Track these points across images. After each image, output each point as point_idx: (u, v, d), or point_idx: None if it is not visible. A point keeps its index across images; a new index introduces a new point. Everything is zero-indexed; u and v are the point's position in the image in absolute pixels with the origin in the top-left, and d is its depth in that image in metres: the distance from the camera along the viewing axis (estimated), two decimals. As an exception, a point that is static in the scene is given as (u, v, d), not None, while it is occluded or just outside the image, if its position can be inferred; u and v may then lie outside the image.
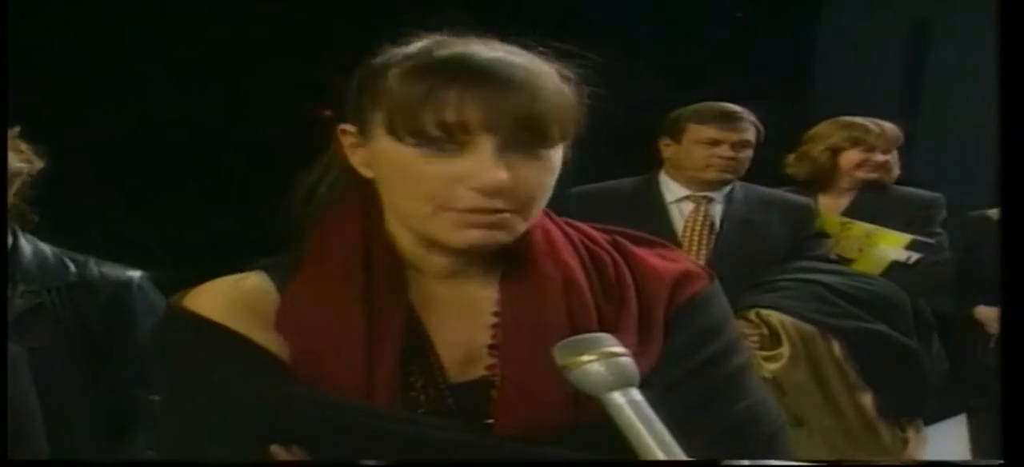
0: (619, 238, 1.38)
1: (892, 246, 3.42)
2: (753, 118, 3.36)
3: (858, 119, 3.82)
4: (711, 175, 3.34)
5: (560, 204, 1.34)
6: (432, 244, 1.28)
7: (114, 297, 2.17)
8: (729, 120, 3.33)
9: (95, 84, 4.07)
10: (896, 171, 3.84)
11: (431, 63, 1.22)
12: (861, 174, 3.75)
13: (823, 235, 3.38)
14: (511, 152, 1.22)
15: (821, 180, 3.79)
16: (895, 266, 3.38)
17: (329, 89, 1.37)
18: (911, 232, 3.50)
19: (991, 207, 3.64)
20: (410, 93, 1.21)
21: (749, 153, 3.35)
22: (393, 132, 1.22)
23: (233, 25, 4.15)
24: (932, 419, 3.21)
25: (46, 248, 2.20)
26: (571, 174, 1.31)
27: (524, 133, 1.22)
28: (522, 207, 1.25)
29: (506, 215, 1.24)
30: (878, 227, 3.46)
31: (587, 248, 1.35)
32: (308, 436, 1.22)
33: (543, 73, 1.24)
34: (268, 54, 3.99)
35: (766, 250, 3.25)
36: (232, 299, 1.30)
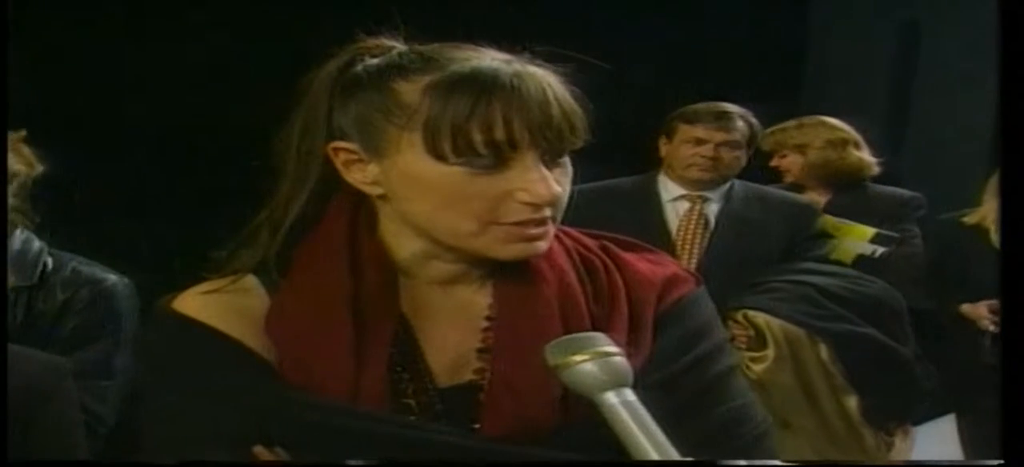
0: (607, 243, 1.39)
1: (857, 240, 3.46)
2: (750, 118, 3.36)
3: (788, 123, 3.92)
4: (693, 174, 3.36)
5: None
6: (448, 252, 1.29)
7: (74, 299, 2.15)
8: (717, 120, 3.35)
9: (91, 86, 4.06)
10: (844, 163, 3.90)
11: (461, 81, 1.22)
12: (788, 178, 3.90)
13: (824, 236, 3.39)
14: (547, 162, 1.24)
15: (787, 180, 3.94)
16: (860, 259, 3.41)
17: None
18: (882, 228, 3.55)
19: (975, 205, 3.71)
20: (453, 113, 1.20)
21: (736, 154, 3.36)
22: (435, 153, 1.21)
23: (232, 28, 4.15)
24: (918, 420, 3.22)
25: (35, 246, 2.18)
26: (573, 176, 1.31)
27: (557, 142, 1.23)
28: (558, 215, 1.28)
29: (548, 225, 1.26)
30: (844, 220, 3.51)
31: (579, 254, 1.35)
32: (295, 439, 1.21)
33: (554, 82, 1.25)
34: (265, 58, 3.99)
35: (761, 250, 3.24)
36: (221, 302, 1.29)
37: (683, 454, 1.11)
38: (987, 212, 3.63)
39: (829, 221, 3.50)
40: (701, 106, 3.40)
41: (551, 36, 1.30)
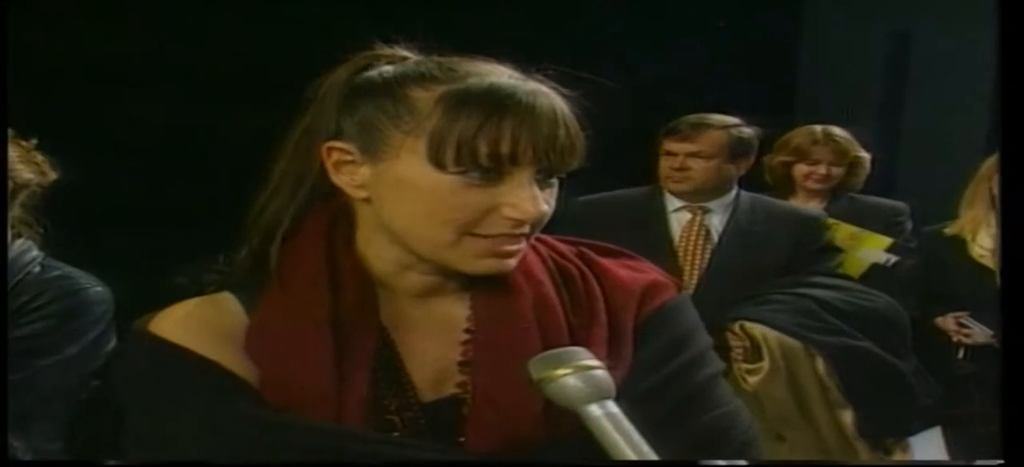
0: (584, 250, 1.38)
1: (874, 248, 3.47)
2: (736, 129, 3.36)
3: (815, 128, 3.97)
4: (672, 187, 3.37)
5: (566, 212, 1.32)
6: (421, 264, 1.28)
7: (32, 303, 2.14)
8: (687, 130, 3.35)
9: (91, 91, 4.06)
10: (860, 178, 3.98)
11: (477, 94, 1.21)
12: (809, 184, 3.94)
13: (832, 249, 3.39)
14: (539, 181, 1.23)
15: (783, 188, 3.97)
16: (875, 269, 3.42)
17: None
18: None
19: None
20: (463, 124, 1.20)
21: (709, 164, 3.34)
22: (436, 161, 1.21)
23: (231, 34, 4.15)
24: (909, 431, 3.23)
25: (29, 256, 2.17)
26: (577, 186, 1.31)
27: (558, 163, 1.23)
28: (535, 233, 1.28)
29: (523, 242, 1.26)
30: (862, 229, 3.52)
31: (556, 262, 1.35)
32: (275, 460, 1.21)
33: (561, 103, 1.25)
34: (265, 65, 3.99)
35: (765, 262, 3.25)
36: (199, 322, 1.28)
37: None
38: (965, 223, 3.64)
39: (847, 230, 3.50)
40: (681, 119, 3.41)
41: (547, 50, 1.30)
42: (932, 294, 3.71)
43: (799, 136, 3.97)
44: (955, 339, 3.63)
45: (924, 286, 3.73)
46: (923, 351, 3.42)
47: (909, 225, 3.90)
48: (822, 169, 3.91)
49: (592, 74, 1.31)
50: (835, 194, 3.95)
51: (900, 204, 4.00)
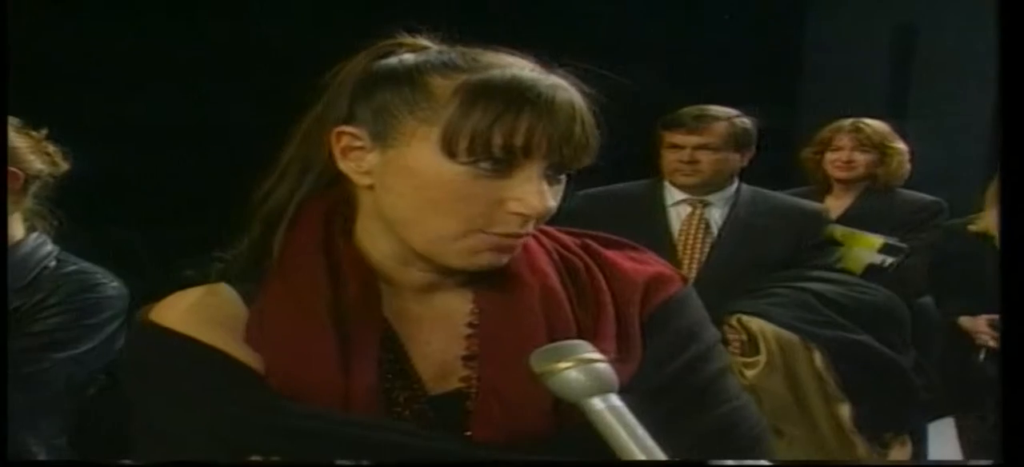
0: (588, 242, 1.38)
1: (866, 249, 3.46)
2: (739, 119, 3.36)
3: (844, 120, 4.01)
4: (679, 180, 3.37)
5: (566, 206, 1.31)
6: (418, 260, 1.27)
7: (48, 299, 2.14)
8: (692, 123, 3.35)
9: (93, 86, 4.06)
10: (896, 171, 4.00)
11: (497, 85, 1.21)
12: (836, 173, 3.98)
13: (832, 243, 3.39)
14: (549, 177, 1.23)
15: (818, 183, 4.02)
16: (871, 269, 3.42)
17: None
18: (896, 235, 3.57)
19: (976, 209, 3.70)
20: (479, 115, 1.19)
21: (718, 156, 3.34)
22: (448, 150, 1.20)
23: (250, 25, 4.14)
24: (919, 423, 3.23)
25: (44, 250, 2.17)
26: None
27: (571, 158, 1.23)
28: (535, 227, 1.27)
29: (523, 239, 1.25)
30: (853, 230, 3.52)
31: (560, 254, 1.34)
32: (287, 447, 1.20)
33: (579, 99, 1.24)
34: (267, 59, 3.98)
35: (765, 256, 3.24)
36: (200, 311, 1.27)
37: (679, 457, 1.12)
38: (990, 220, 3.62)
39: (837, 230, 3.50)
40: (681, 111, 3.41)
41: (551, 41, 1.29)
42: (955, 290, 3.70)
43: (828, 128, 4.03)
44: (981, 341, 3.60)
45: (947, 282, 3.72)
46: (944, 349, 3.42)
47: (937, 222, 3.90)
48: (845, 155, 3.95)
49: (598, 67, 1.29)
50: (871, 188, 3.96)
51: (935, 200, 4.01)
